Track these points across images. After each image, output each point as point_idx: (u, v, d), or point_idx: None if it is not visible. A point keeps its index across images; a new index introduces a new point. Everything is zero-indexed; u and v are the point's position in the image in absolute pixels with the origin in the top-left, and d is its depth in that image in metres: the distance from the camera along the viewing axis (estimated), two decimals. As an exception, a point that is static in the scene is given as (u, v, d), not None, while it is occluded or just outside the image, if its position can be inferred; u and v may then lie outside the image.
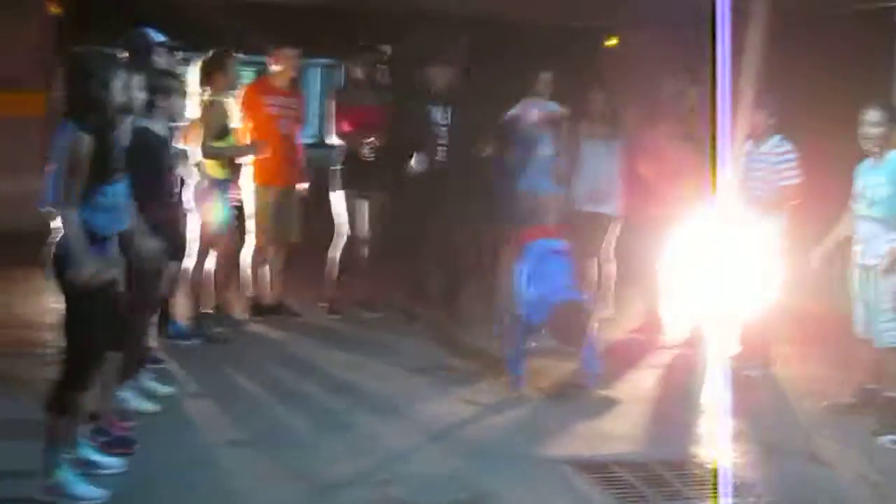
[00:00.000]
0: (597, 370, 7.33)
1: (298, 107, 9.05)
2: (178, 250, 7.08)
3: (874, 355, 7.04)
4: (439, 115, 9.01)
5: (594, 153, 9.04)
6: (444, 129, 9.02)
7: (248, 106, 8.66)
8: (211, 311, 8.37)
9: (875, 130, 6.82)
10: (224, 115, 8.21)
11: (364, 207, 9.22)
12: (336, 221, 9.23)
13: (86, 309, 5.17)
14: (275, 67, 8.94)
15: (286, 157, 8.83)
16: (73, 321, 5.22)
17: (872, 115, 6.83)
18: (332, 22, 9.32)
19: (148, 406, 6.48)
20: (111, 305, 5.36)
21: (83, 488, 5.20)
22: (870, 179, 6.89)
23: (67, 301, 5.21)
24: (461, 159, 8.95)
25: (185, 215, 7.58)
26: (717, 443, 6.54)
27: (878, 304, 6.85)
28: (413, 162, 8.89)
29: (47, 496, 5.14)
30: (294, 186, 8.99)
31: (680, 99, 8.79)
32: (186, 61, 8.13)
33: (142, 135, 6.33)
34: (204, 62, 8.24)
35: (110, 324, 5.34)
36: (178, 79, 7.23)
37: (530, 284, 7.29)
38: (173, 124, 7.02)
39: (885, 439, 6.55)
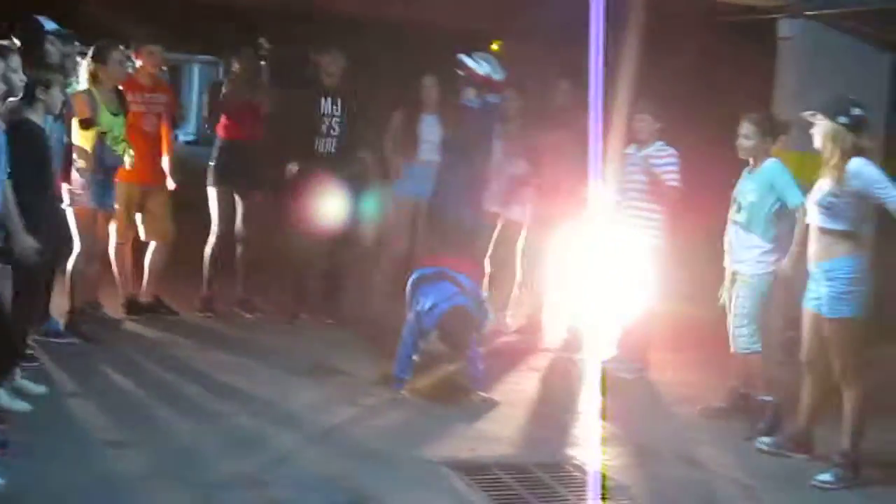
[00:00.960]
0: (479, 374, 7.33)
1: (166, 103, 8.90)
2: (58, 246, 6.92)
3: (741, 361, 7.22)
4: (329, 106, 8.95)
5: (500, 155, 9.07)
6: (335, 120, 8.96)
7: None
8: (84, 309, 8.20)
9: (748, 142, 7.02)
10: (91, 106, 8.04)
11: (239, 205, 9.15)
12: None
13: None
14: (138, 63, 8.81)
15: (150, 156, 8.70)
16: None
17: (745, 127, 7.02)
18: (220, 19, 9.18)
19: (20, 405, 6.32)
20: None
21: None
22: (743, 185, 7.09)
23: None
24: (351, 152, 8.92)
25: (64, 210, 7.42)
26: (594, 445, 6.62)
27: (734, 308, 7.04)
28: (287, 169, 8.83)
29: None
30: (159, 184, 8.82)
31: (557, 101, 8.88)
32: (83, 54, 7.99)
33: (23, 126, 6.18)
34: (90, 54, 8.11)
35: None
36: (62, 71, 7.07)
37: (423, 293, 7.27)
38: (52, 116, 6.88)
39: (759, 442, 6.69)
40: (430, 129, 9.16)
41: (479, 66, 7.75)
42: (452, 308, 7.12)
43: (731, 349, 7.13)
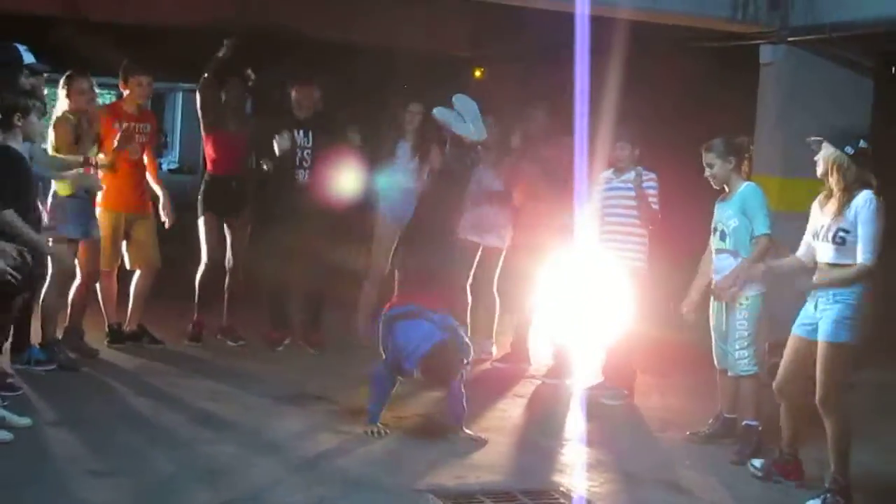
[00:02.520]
0: (462, 412, 7.04)
1: (149, 132, 8.88)
2: (36, 272, 6.88)
3: (731, 385, 7.21)
4: (301, 137, 8.94)
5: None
6: (307, 152, 8.96)
7: (103, 130, 8.48)
8: (64, 337, 8.16)
9: (713, 171, 7.07)
10: (68, 132, 8.02)
11: (226, 233, 9.13)
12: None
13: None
14: (125, 92, 8.81)
15: (135, 184, 8.68)
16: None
17: (705, 157, 7.07)
18: (205, 46, 9.17)
19: (2, 435, 6.26)
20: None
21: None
22: (721, 214, 7.11)
23: None
24: (323, 183, 8.90)
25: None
26: (580, 472, 6.59)
27: (733, 333, 7.03)
28: (276, 142, 8.76)
29: None
30: (143, 212, 8.79)
31: (536, 127, 8.87)
32: (55, 81, 8.00)
33: (3, 154, 6.16)
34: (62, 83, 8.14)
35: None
36: (39, 99, 7.05)
37: (398, 335, 6.95)
38: (31, 144, 6.86)
39: (751, 466, 6.66)
40: (406, 156, 9.16)
41: (460, 124, 7.09)
42: (434, 346, 6.78)
43: (728, 372, 7.11)
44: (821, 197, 6.29)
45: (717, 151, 7.03)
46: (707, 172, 7.09)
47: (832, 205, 6.14)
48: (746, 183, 7.11)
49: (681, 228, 8.30)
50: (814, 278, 6.27)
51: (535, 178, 8.67)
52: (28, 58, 7.34)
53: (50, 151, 7.86)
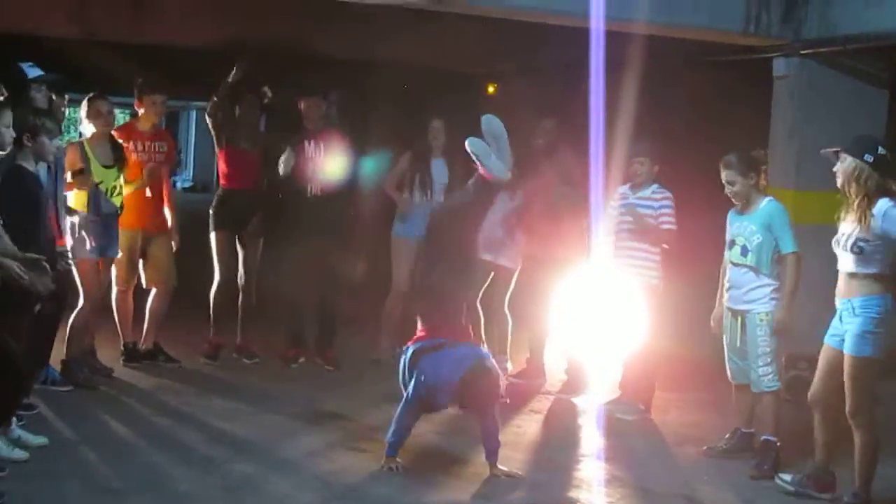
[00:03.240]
0: (497, 445, 6.61)
1: (166, 151, 8.91)
2: (57, 293, 6.90)
3: (748, 399, 7.18)
4: (311, 150, 8.96)
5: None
6: (317, 164, 8.97)
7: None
8: (80, 356, 8.16)
9: (734, 188, 7.02)
10: (80, 157, 8.06)
11: (240, 251, 9.15)
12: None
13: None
14: (140, 111, 8.84)
15: (152, 203, 8.70)
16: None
17: (725, 175, 7.01)
18: (216, 65, 9.20)
19: (18, 454, 6.28)
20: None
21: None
22: (741, 228, 7.06)
23: None
24: (334, 195, 8.94)
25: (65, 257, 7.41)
26: (596, 487, 6.58)
27: (754, 349, 6.98)
28: (281, 162, 8.81)
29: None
30: (160, 231, 8.80)
31: (550, 143, 8.84)
32: (76, 102, 8.03)
33: (15, 174, 6.18)
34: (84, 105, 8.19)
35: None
36: (53, 118, 7.06)
37: (428, 368, 6.46)
38: (45, 164, 6.88)
39: (780, 480, 6.61)
40: (439, 172, 9.18)
41: (489, 160, 6.66)
42: (469, 370, 6.31)
43: (752, 388, 7.06)
44: (843, 207, 6.25)
45: (738, 168, 6.98)
46: (728, 190, 7.04)
47: (852, 214, 6.13)
48: (768, 199, 7.06)
49: (694, 244, 8.27)
50: (837, 288, 6.26)
51: (551, 192, 8.64)
52: (33, 73, 7.35)
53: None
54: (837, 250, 6.22)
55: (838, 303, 6.24)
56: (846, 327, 6.15)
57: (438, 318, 6.71)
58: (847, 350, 6.14)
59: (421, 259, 7.50)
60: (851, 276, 6.14)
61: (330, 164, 8.96)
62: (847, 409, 6.17)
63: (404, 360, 6.66)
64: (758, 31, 8.78)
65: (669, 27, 8.69)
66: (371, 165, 9.64)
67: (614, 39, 8.38)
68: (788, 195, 8.26)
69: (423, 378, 6.43)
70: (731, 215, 7.17)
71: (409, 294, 8.97)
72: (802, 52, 8.85)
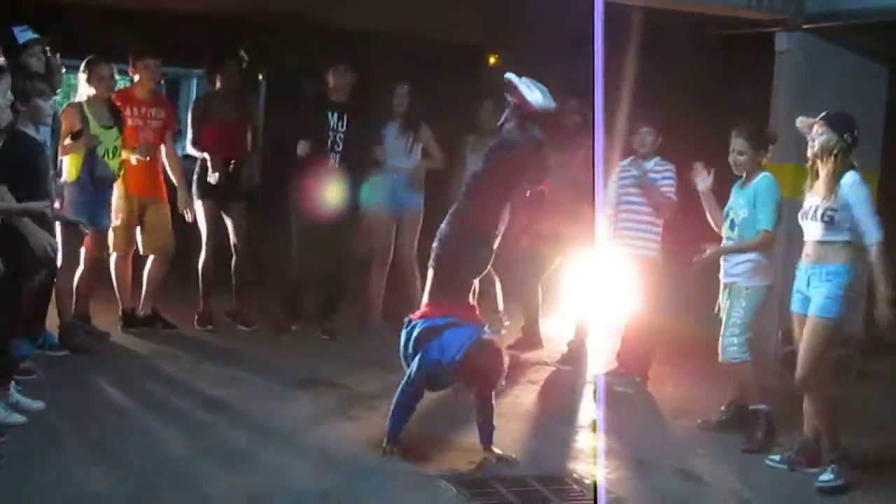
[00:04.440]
0: (492, 428, 6.45)
1: (164, 117, 8.87)
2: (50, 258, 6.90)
3: (731, 371, 7.23)
4: (335, 121, 8.93)
5: None
6: (339, 135, 8.94)
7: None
8: (76, 321, 8.16)
9: (742, 158, 7.06)
10: (78, 119, 8.04)
11: (226, 218, 9.15)
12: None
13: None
14: (135, 77, 8.81)
15: (147, 168, 8.68)
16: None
17: (737, 143, 7.06)
18: (217, 32, 9.17)
19: (16, 418, 6.29)
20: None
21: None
22: (734, 202, 7.13)
23: None
24: (355, 167, 8.95)
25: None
26: (593, 458, 6.59)
27: (728, 319, 7.06)
28: (299, 148, 8.79)
29: None
30: (157, 197, 8.80)
31: (577, 122, 8.82)
32: (73, 68, 8.00)
33: (15, 139, 6.17)
34: (80, 70, 8.12)
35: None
36: (45, 79, 7.03)
37: (435, 347, 6.18)
38: (41, 127, 6.87)
39: (769, 460, 6.63)
40: (393, 138, 9.21)
41: (531, 92, 6.42)
42: (475, 342, 6.12)
43: (719, 359, 7.12)
44: (808, 180, 6.45)
45: (751, 141, 7.04)
46: (734, 158, 7.07)
47: (820, 185, 6.30)
48: (763, 174, 7.09)
49: (694, 218, 8.28)
50: (804, 251, 6.41)
51: (560, 167, 8.63)
52: (24, 36, 7.31)
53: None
54: (805, 222, 6.39)
55: (806, 268, 6.36)
56: (813, 291, 6.30)
57: (448, 293, 6.42)
58: (815, 311, 6.27)
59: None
60: (821, 244, 6.29)
61: (352, 136, 8.94)
62: (798, 374, 6.32)
63: (408, 334, 6.34)
64: (761, 5, 8.77)
65: (675, 0, 8.67)
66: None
67: (618, 13, 8.35)
68: (789, 169, 8.26)
69: (430, 354, 6.18)
70: (734, 188, 7.20)
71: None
72: (805, 26, 8.84)
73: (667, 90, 9.77)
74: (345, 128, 8.93)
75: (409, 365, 6.32)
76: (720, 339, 7.13)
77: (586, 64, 8.07)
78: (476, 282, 6.98)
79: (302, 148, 8.77)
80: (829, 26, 8.76)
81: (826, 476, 6.24)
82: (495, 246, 6.52)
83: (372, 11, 10.92)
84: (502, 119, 6.65)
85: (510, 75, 6.57)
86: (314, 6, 10.98)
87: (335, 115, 8.92)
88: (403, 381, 6.31)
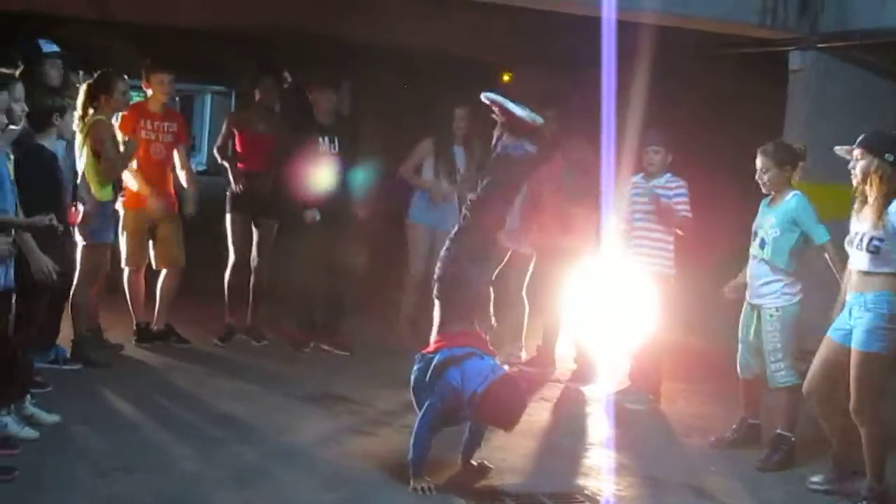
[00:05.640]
0: (478, 446, 6.44)
1: (176, 131, 8.92)
2: (64, 272, 6.94)
3: (755, 392, 7.19)
4: (326, 144, 8.95)
5: None
6: (333, 157, 8.96)
7: (125, 131, 8.51)
8: (89, 335, 8.20)
9: (766, 175, 6.95)
10: (112, 133, 8.10)
11: (254, 233, 9.18)
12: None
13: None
14: (148, 91, 8.87)
15: (159, 183, 8.72)
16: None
17: (760, 161, 6.96)
18: (234, 49, 9.23)
19: (28, 432, 6.31)
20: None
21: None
22: (763, 220, 7.03)
23: None
24: (348, 188, 8.95)
25: (72, 236, 7.46)
26: (604, 476, 6.58)
27: (766, 346, 6.97)
28: (306, 214, 8.82)
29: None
30: (170, 212, 8.83)
31: (554, 132, 8.82)
32: (81, 80, 8.05)
33: (37, 153, 6.21)
34: (91, 83, 8.14)
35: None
36: (70, 95, 7.11)
37: (455, 377, 5.99)
38: (65, 142, 6.93)
39: (812, 483, 6.53)
40: (458, 160, 9.24)
41: (518, 108, 6.43)
42: (500, 378, 5.97)
43: (769, 385, 7.03)
44: (856, 204, 6.22)
45: (774, 158, 6.92)
46: (760, 177, 6.97)
47: (868, 212, 6.08)
48: (794, 193, 6.96)
49: (707, 235, 8.28)
50: (848, 285, 6.24)
51: (564, 180, 8.64)
52: (48, 48, 7.38)
53: (85, 154, 7.88)
54: (851, 249, 6.19)
55: (849, 297, 6.21)
56: (855, 322, 6.13)
57: (459, 321, 6.25)
58: (855, 345, 6.10)
59: (438, 248, 6.86)
60: (866, 274, 6.09)
61: (344, 160, 8.96)
62: (851, 405, 6.14)
63: (423, 369, 6.15)
64: (774, 24, 8.78)
65: (684, 18, 8.69)
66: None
67: (628, 30, 8.38)
68: (802, 188, 8.26)
69: (450, 382, 5.97)
70: (761, 206, 7.11)
71: (423, 282, 9.00)
72: (818, 45, 8.85)
73: (677, 107, 9.79)
74: (336, 149, 8.94)
75: (421, 404, 6.13)
76: (740, 358, 7.09)
77: (598, 78, 8.11)
78: (491, 308, 6.96)
79: (310, 216, 8.81)
80: (842, 45, 8.76)
81: None
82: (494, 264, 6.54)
83: (385, 27, 10.98)
84: (495, 139, 6.57)
85: (490, 94, 6.53)
86: (326, 24, 11.05)
87: (325, 138, 8.93)
88: (421, 415, 6.09)
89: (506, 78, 13.60)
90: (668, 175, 8.04)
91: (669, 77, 9.62)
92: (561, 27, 9.60)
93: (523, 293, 9.15)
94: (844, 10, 8.60)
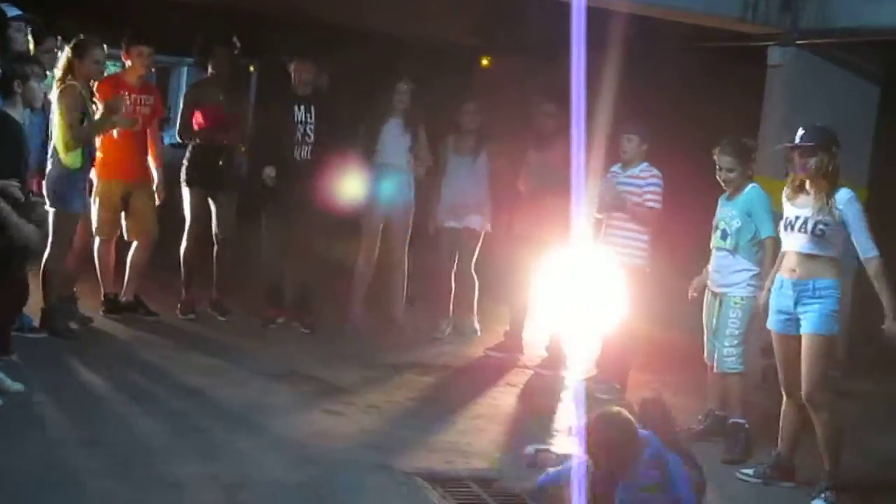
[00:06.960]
0: None
1: (152, 104, 8.85)
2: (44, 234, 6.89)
3: (720, 382, 7.24)
4: (303, 114, 8.88)
5: (460, 167, 9.20)
6: (308, 127, 8.89)
7: (102, 100, 8.42)
8: (58, 305, 8.10)
9: (732, 175, 7.08)
10: (80, 100, 7.98)
11: (212, 206, 9.13)
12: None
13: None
14: (127, 63, 8.78)
15: (133, 153, 8.65)
16: None
17: (725, 161, 7.07)
18: (209, 22, 9.15)
19: (-8, 398, 6.28)
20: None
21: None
22: (724, 212, 7.16)
23: None
24: (323, 160, 8.89)
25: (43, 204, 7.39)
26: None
27: (723, 329, 7.08)
28: (265, 174, 8.77)
29: None
30: (143, 183, 8.76)
31: (541, 124, 8.84)
32: (59, 48, 7.95)
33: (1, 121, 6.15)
34: (69, 49, 8.02)
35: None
36: (39, 63, 7.00)
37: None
38: (31, 110, 6.84)
39: (741, 474, 6.63)
40: (396, 133, 9.18)
41: None
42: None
43: (714, 368, 7.15)
44: (787, 190, 6.42)
45: (737, 156, 7.07)
46: (721, 175, 7.10)
47: (810, 198, 6.26)
48: (752, 185, 7.15)
49: (680, 227, 8.29)
50: (786, 266, 6.37)
51: (539, 169, 8.65)
52: (11, 12, 7.28)
53: (56, 120, 7.79)
54: (790, 234, 6.34)
55: (789, 283, 6.32)
56: (804, 309, 6.26)
57: None
58: (814, 330, 6.23)
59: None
60: (809, 257, 6.25)
61: (319, 129, 8.91)
62: (806, 390, 6.24)
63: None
64: (755, 18, 8.76)
65: (663, 9, 8.68)
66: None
67: (608, 19, 8.36)
68: (778, 185, 8.26)
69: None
70: (720, 200, 7.23)
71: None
72: (798, 42, 8.84)
73: (653, 98, 9.78)
74: (313, 119, 8.88)
75: None
76: (716, 349, 7.15)
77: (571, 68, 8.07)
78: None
79: (267, 174, 8.74)
80: (822, 42, 8.76)
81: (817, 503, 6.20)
82: None
83: (365, 9, 10.93)
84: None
85: None
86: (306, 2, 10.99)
87: (301, 107, 8.88)
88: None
89: (484, 63, 13.55)
90: (644, 165, 8.04)
91: (647, 69, 9.61)
92: (539, 15, 9.57)
93: (472, 270, 9.35)
94: (825, 7, 8.58)
